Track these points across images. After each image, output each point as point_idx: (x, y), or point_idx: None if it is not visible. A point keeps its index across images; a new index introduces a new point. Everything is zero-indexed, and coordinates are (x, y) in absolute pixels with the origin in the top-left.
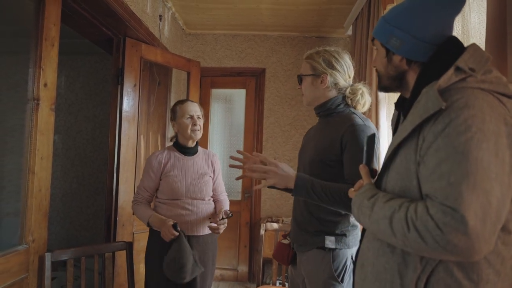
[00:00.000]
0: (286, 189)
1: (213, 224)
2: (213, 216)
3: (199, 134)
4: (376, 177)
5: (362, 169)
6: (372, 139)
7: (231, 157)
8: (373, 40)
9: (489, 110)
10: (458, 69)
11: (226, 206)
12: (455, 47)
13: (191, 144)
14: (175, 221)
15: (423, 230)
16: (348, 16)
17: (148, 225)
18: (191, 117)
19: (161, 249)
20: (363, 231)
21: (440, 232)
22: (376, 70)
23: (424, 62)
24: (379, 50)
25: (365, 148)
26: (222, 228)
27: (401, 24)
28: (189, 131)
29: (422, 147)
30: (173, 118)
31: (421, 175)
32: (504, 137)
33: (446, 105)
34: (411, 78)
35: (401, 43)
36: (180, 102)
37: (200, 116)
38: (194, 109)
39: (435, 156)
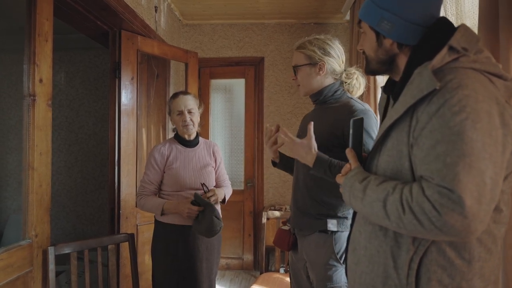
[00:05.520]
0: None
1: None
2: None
3: (191, 129)
4: (366, 160)
5: (349, 152)
6: (359, 123)
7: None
8: (359, 22)
9: (482, 90)
10: (451, 48)
11: (229, 194)
12: (446, 28)
13: (188, 138)
14: (196, 193)
15: (419, 212)
16: (345, 1)
17: (162, 213)
18: (181, 112)
19: (166, 239)
20: (354, 215)
21: (437, 214)
22: (364, 53)
23: (415, 44)
24: (368, 34)
25: (350, 132)
26: (213, 199)
27: (391, 6)
28: (181, 127)
29: (416, 129)
30: (169, 113)
31: (415, 157)
32: (497, 116)
33: (440, 85)
34: (401, 61)
35: (392, 27)
36: (172, 97)
37: (193, 110)
38: (184, 103)
39: (430, 138)
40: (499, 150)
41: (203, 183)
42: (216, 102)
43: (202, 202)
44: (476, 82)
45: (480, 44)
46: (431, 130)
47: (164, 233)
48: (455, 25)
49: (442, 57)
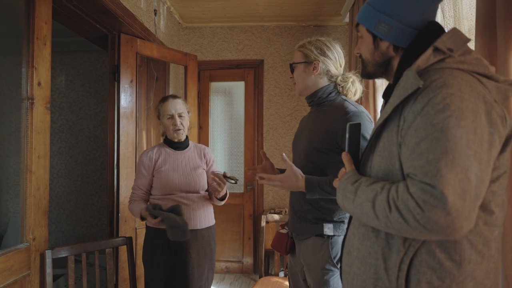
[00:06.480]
0: None
1: (217, 179)
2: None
3: (182, 133)
4: (360, 163)
5: (345, 156)
6: (356, 128)
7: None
8: (357, 25)
9: (468, 89)
10: (436, 49)
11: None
12: (436, 31)
13: (177, 141)
14: (151, 205)
15: (404, 210)
16: (344, 3)
17: (142, 218)
18: (171, 116)
19: (153, 245)
20: (350, 219)
21: (420, 210)
22: (360, 57)
23: (406, 47)
24: (365, 37)
25: (347, 136)
26: (223, 186)
27: (389, 9)
28: (171, 131)
29: (403, 128)
30: (158, 117)
31: (402, 155)
32: (483, 115)
33: (424, 84)
34: (396, 63)
35: (389, 29)
36: (162, 101)
37: (183, 114)
38: (175, 107)
39: (414, 136)
40: (484, 148)
41: (227, 176)
42: (216, 105)
43: (157, 214)
44: (462, 82)
45: (472, 46)
46: (416, 129)
47: (152, 238)
48: (453, 26)
49: (426, 57)
